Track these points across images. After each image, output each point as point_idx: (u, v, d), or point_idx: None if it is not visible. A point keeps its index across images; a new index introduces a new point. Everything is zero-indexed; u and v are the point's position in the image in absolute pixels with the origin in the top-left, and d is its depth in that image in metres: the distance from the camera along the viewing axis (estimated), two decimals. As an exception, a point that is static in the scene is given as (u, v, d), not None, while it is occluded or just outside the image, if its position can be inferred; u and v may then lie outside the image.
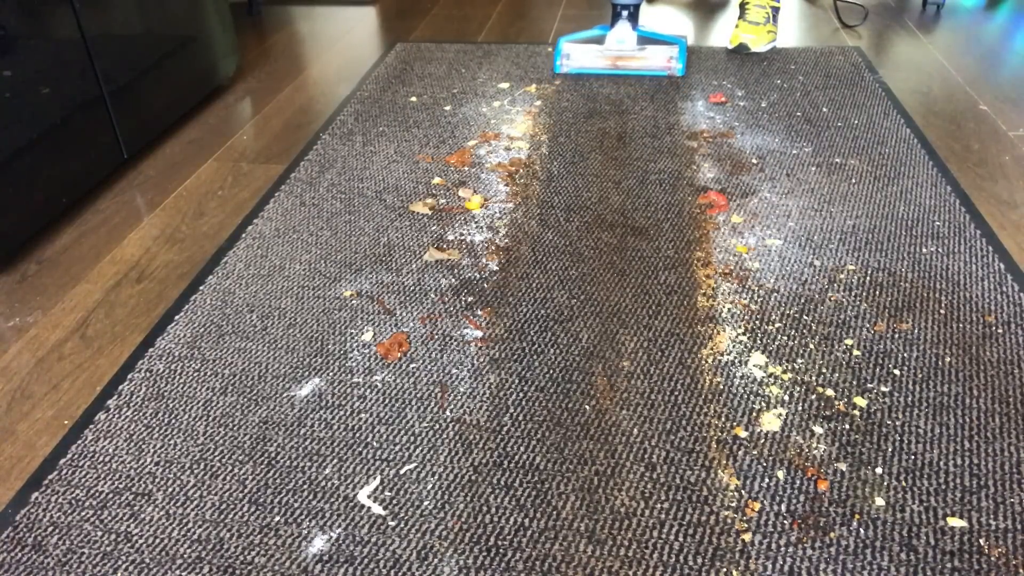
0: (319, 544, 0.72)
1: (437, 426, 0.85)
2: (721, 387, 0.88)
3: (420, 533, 0.73)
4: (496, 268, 1.10)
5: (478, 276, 1.09)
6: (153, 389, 0.91)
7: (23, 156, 1.13)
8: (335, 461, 0.81)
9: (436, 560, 0.71)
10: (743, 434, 0.82)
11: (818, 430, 0.82)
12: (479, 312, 1.02)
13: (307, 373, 0.93)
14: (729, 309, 1.00)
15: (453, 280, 1.08)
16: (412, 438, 0.83)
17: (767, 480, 0.77)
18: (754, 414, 0.85)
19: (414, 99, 1.65)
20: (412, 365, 0.93)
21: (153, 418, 0.87)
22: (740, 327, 0.97)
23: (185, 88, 1.57)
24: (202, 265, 1.15)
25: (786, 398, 0.87)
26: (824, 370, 0.90)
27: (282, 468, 0.80)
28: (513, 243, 1.15)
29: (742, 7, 1.85)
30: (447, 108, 1.60)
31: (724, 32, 2.00)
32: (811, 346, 0.94)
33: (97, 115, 1.29)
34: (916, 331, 0.96)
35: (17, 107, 1.12)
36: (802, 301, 1.01)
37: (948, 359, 0.91)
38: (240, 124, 1.60)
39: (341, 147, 1.46)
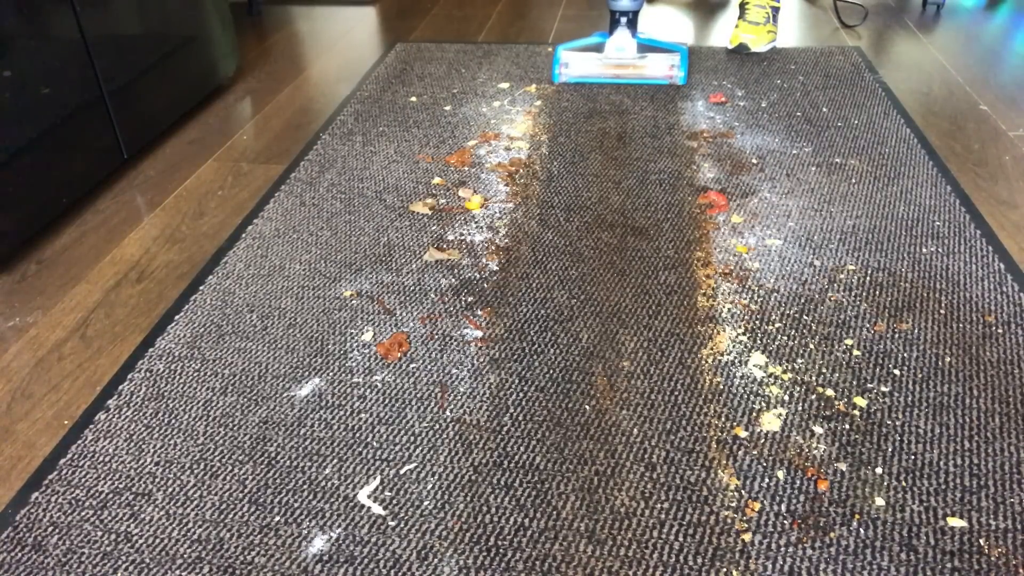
0: (319, 544, 0.72)
1: (437, 426, 0.85)
2: (721, 387, 0.88)
3: (420, 533, 0.73)
4: (496, 268, 1.10)
5: (478, 276, 1.09)
6: (153, 389, 0.91)
7: (23, 156, 1.13)
8: (335, 461, 0.81)
9: (436, 560, 0.71)
10: (743, 434, 0.82)
11: (818, 430, 0.82)
12: (479, 312, 1.02)
13: (307, 373, 0.93)
14: (729, 309, 1.00)
15: (453, 280, 1.08)
16: (412, 438, 0.83)
17: (767, 480, 0.77)
18: (754, 414, 0.85)
19: (414, 99, 1.65)
20: (412, 365, 0.93)
21: (153, 418, 0.87)
22: (740, 327, 0.97)
23: (185, 88, 1.57)
24: (202, 265, 1.15)
25: (786, 398, 0.87)
26: (824, 370, 0.90)
27: (282, 468, 0.80)
28: (513, 243, 1.15)
29: (742, 7, 1.85)
30: (447, 108, 1.60)
31: (724, 32, 2.00)
32: (811, 346, 0.94)
33: (97, 115, 1.29)
34: (916, 331, 0.96)
35: (17, 107, 1.12)
36: (802, 301, 1.01)
37: (948, 359, 0.91)
38: (240, 124, 1.60)
39: (341, 147, 1.46)
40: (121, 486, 0.79)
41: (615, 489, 0.77)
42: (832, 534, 0.72)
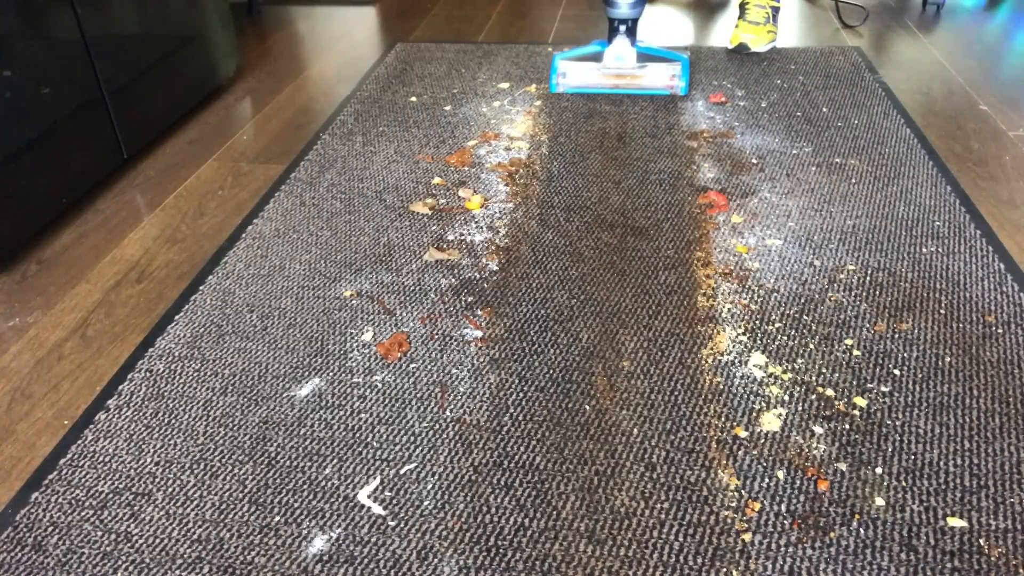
0: (319, 544, 0.72)
1: (437, 426, 0.85)
2: (721, 387, 0.88)
3: (420, 533, 0.73)
4: (496, 268, 1.10)
5: (478, 276, 1.09)
6: (153, 389, 0.91)
7: (23, 156, 1.13)
8: (335, 461, 0.81)
9: (436, 560, 0.71)
10: (743, 434, 0.82)
11: (818, 430, 0.82)
12: (479, 312, 1.02)
13: (307, 373, 0.93)
14: (729, 309, 1.00)
15: (453, 280, 1.08)
16: (412, 438, 0.83)
17: (767, 480, 0.77)
18: (754, 414, 0.85)
19: (414, 99, 1.65)
20: (412, 365, 0.93)
21: (153, 418, 0.87)
22: (740, 327, 0.97)
23: (185, 88, 1.57)
24: (202, 265, 1.15)
25: (786, 398, 0.87)
26: (824, 370, 0.90)
27: (282, 468, 0.80)
28: (513, 243, 1.15)
29: (742, 7, 1.85)
30: (447, 108, 1.60)
31: (724, 32, 2.00)
32: (811, 346, 0.94)
33: (97, 115, 1.29)
34: (916, 331, 0.96)
35: (17, 107, 1.12)
36: (802, 301, 1.01)
37: (948, 359, 0.91)
38: (240, 124, 1.60)
39: (341, 147, 1.46)
40: (121, 486, 0.79)
41: (615, 489, 0.77)
42: (832, 534, 0.72)
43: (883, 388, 0.87)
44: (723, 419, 0.84)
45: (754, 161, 1.35)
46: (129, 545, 0.73)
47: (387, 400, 0.88)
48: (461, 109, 1.59)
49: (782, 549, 0.71)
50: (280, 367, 0.94)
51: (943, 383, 0.88)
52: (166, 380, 0.92)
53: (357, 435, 0.84)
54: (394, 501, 0.76)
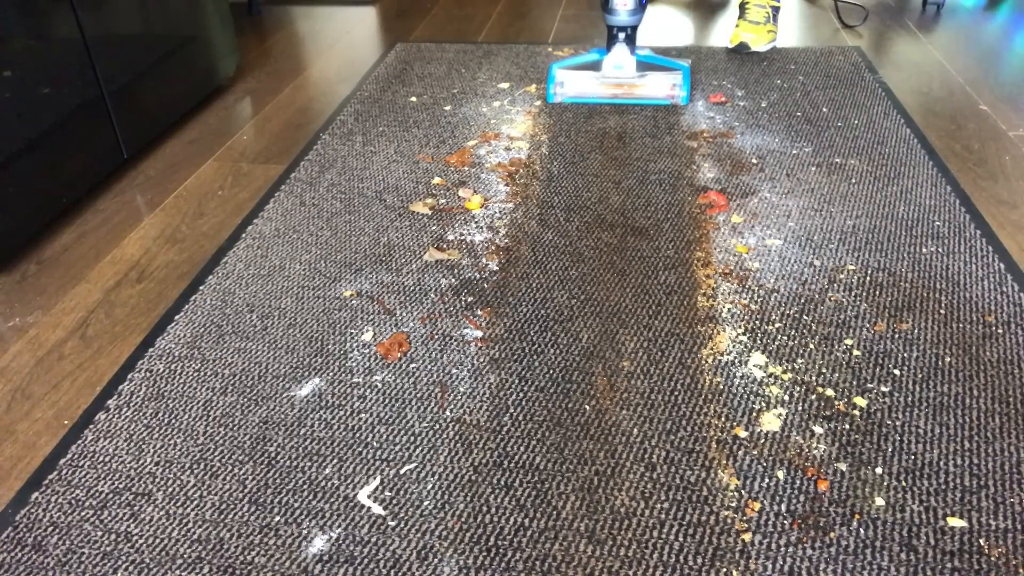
0: (319, 544, 0.72)
1: (437, 426, 0.85)
2: (721, 387, 0.88)
3: (420, 533, 0.73)
4: (496, 268, 1.10)
5: (478, 276, 1.09)
6: (153, 389, 0.91)
7: (23, 156, 1.13)
8: (335, 461, 0.81)
9: (436, 560, 0.71)
10: (743, 434, 0.82)
11: (818, 430, 0.82)
12: (479, 312, 1.02)
13: (307, 373, 0.93)
14: (729, 309, 1.00)
15: (453, 280, 1.08)
16: (412, 438, 0.83)
17: (767, 480, 0.77)
18: (754, 414, 0.85)
19: (414, 99, 1.65)
20: (412, 365, 0.93)
21: (153, 418, 0.87)
22: (740, 327, 0.97)
23: (185, 88, 1.57)
24: (202, 265, 1.15)
25: (786, 398, 0.87)
26: (824, 370, 0.90)
27: (282, 468, 0.80)
28: (513, 243, 1.15)
29: (742, 7, 1.85)
30: (447, 108, 1.60)
31: (724, 32, 2.00)
32: (811, 346, 0.94)
33: (97, 115, 1.29)
34: (916, 331, 0.96)
35: (17, 107, 1.12)
36: (802, 301, 1.01)
37: (948, 359, 0.91)
38: (240, 124, 1.60)
39: (341, 147, 1.46)
40: (121, 486, 0.79)
41: (615, 489, 0.77)
42: (832, 534, 0.72)
43: (883, 388, 0.87)
44: (723, 419, 0.84)
45: (754, 161, 1.35)
46: (129, 545, 0.73)
47: (387, 400, 0.88)
48: (461, 109, 1.59)
49: (782, 549, 0.71)
50: (280, 367, 0.94)
51: (943, 383, 0.88)
52: (166, 380, 0.92)
53: (357, 435, 0.84)
54: (394, 501, 0.76)
